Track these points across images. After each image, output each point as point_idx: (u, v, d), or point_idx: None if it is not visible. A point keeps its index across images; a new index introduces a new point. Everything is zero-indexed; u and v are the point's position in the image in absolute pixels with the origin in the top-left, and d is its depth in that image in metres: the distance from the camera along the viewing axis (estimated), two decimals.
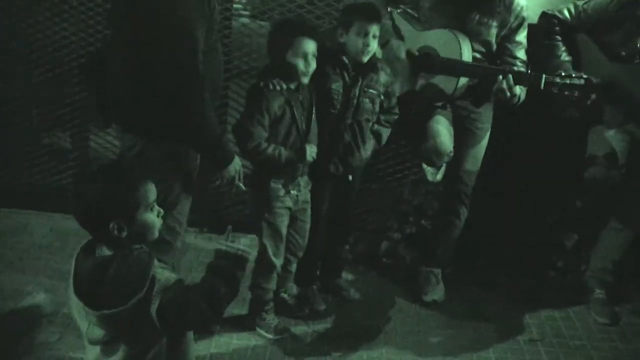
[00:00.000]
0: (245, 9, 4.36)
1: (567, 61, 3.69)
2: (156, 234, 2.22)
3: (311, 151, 3.36)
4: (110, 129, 3.20)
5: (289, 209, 3.46)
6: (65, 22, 4.36)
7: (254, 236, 3.58)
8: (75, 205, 2.16)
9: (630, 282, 4.10)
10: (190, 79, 2.73)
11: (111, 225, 2.10)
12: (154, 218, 2.19)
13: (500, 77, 3.41)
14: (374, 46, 3.41)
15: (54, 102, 4.49)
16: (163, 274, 2.11)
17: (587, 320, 3.87)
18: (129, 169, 2.33)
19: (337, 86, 3.42)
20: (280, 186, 3.38)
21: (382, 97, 3.54)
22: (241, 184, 3.07)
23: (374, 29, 3.38)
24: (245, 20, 4.37)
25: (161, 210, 2.23)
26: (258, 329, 3.54)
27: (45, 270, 3.95)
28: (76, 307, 2.14)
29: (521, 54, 3.69)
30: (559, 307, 3.97)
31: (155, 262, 2.14)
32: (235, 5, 4.30)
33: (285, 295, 3.73)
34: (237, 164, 3.01)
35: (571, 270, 4.15)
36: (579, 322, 3.86)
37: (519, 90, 3.45)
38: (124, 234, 2.12)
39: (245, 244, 2.25)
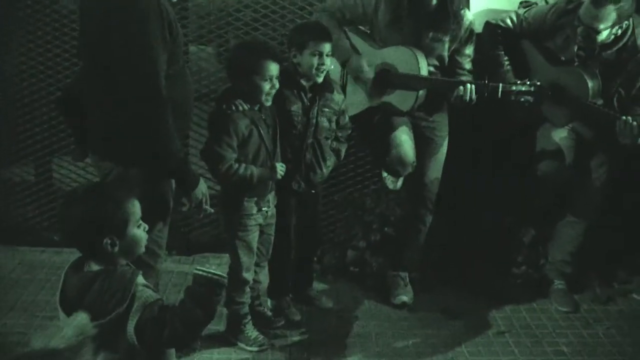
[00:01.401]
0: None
1: (509, 70, 3.90)
2: (143, 249, 2.34)
3: (281, 168, 3.48)
4: (87, 159, 3.25)
5: (260, 224, 3.57)
6: (26, 57, 4.42)
7: (224, 255, 3.77)
8: (66, 226, 2.27)
9: (588, 271, 4.30)
10: (153, 104, 2.79)
11: (105, 241, 2.21)
12: (141, 233, 2.31)
13: (462, 87, 3.60)
14: (328, 64, 3.55)
15: (17, 134, 4.50)
16: (144, 292, 2.21)
17: (550, 310, 4.06)
18: (115, 188, 2.44)
19: (296, 108, 3.56)
20: (252, 204, 3.48)
21: (337, 115, 3.69)
22: (208, 207, 3.11)
23: (327, 48, 3.52)
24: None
25: (146, 225, 2.34)
26: (239, 343, 3.62)
27: (18, 305, 3.95)
28: (63, 321, 2.21)
29: (469, 65, 3.89)
30: (523, 301, 4.14)
31: (139, 279, 2.24)
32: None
33: (261, 308, 3.81)
34: (202, 187, 3.06)
35: (531, 264, 4.33)
36: (542, 313, 4.03)
37: (475, 97, 3.66)
38: (116, 248, 2.23)
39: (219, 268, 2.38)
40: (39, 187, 4.66)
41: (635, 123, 3.52)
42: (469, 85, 3.62)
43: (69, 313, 2.16)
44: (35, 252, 4.56)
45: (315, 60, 3.50)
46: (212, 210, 3.16)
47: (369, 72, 3.83)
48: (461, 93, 3.63)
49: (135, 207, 2.30)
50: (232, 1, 4.46)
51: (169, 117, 2.84)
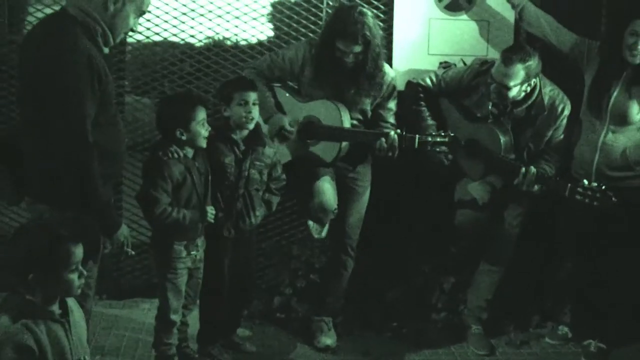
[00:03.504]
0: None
1: (432, 124, 4.15)
2: (75, 293, 2.42)
3: (211, 212, 3.64)
4: (22, 203, 3.37)
5: (188, 268, 3.70)
6: None
7: (154, 300, 3.88)
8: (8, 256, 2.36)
9: (503, 317, 4.50)
10: (78, 150, 2.94)
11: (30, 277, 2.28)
12: (74, 278, 2.37)
13: (383, 139, 3.83)
14: (255, 113, 3.76)
15: None
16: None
17: (468, 354, 4.25)
18: (63, 228, 2.45)
19: (229, 160, 3.76)
20: (182, 247, 3.63)
21: (268, 168, 3.87)
22: (130, 250, 3.21)
23: (253, 97, 3.74)
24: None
25: (84, 272, 2.41)
26: None
27: None
28: None
29: (392, 119, 4.13)
30: (442, 344, 4.33)
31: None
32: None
33: (188, 350, 3.89)
34: (125, 230, 3.18)
35: (450, 310, 4.53)
36: (459, 356, 4.22)
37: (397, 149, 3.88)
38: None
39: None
40: None
41: (533, 172, 3.81)
42: (391, 135, 3.85)
43: None
44: None
45: (242, 110, 3.70)
46: (133, 253, 3.24)
47: (292, 130, 4.02)
48: (384, 145, 3.85)
49: (77, 250, 2.37)
50: (168, 54, 4.67)
51: (94, 162, 2.97)
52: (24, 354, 2.24)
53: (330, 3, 4.53)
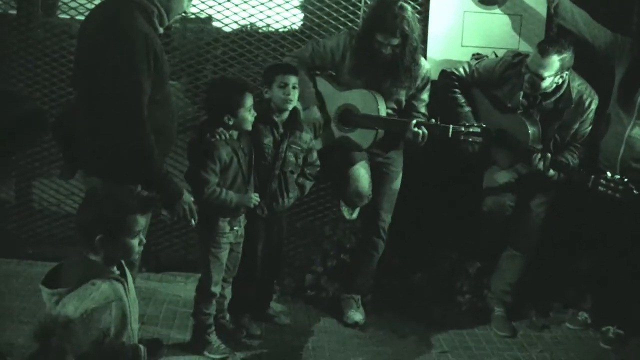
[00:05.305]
0: None
1: (468, 111, 4.31)
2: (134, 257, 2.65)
3: (255, 199, 3.84)
4: (74, 178, 3.59)
5: (230, 243, 3.89)
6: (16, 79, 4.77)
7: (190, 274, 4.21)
8: (82, 213, 2.58)
9: (525, 301, 4.67)
10: (134, 126, 3.15)
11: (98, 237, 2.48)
12: (135, 244, 2.57)
13: (416, 128, 3.99)
14: (294, 95, 3.94)
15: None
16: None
17: (490, 335, 4.42)
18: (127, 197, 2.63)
19: (268, 141, 3.94)
20: (226, 224, 3.82)
21: (304, 152, 4.05)
22: (194, 220, 3.41)
23: (293, 80, 3.92)
24: None
25: (144, 239, 2.63)
26: (205, 353, 3.89)
27: None
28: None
29: (424, 110, 4.29)
30: (466, 326, 4.50)
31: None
32: None
33: (224, 320, 4.10)
34: (187, 198, 3.38)
35: (475, 293, 4.70)
36: (483, 337, 4.39)
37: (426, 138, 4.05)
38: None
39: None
40: (20, 205, 4.97)
41: (547, 156, 3.98)
42: (422, 127, 4.00)
43: None
44: (9, 264, 4.84)
45: (282, 92, 3.88)
46: (195, 224, 3.45)
47: (322, 123, 4.21)
48: (416, 133, 4.01)
49: (141, 219, 2.55)
50: (204, 38, 4.87)
51: (150, 136, 3.18)
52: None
53: None
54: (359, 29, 4.29)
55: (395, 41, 4.01)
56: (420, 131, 3.99)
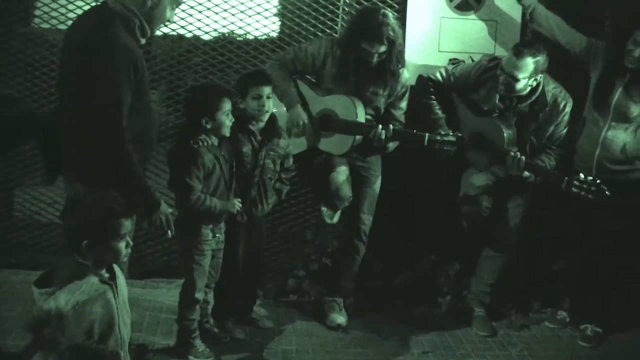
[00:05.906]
0: None
1: (442, 117, 4.38)
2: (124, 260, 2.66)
3: (238, 204, 3.89)
4: (55, 185, 3.62)
5: (212, 249, 3.93)
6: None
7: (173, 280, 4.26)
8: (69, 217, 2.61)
9: (505, 302, 4.75)
10: (114, 132, 3.18)
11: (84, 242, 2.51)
12: (122, 247, 2.59)
13: (374, 130, 4.08)
14: (269, 106, 3.98)
15: None
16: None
17: (471, 335, 4.49)
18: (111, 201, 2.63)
19: (247, 149, 3.99)
20: (209, 231, 3.86)
21: (281, 158, 4.11)
22: (170, 231, 3.40)
23: (267, 91, 3.96)
24: None
25: (131, 242, 2.64)
26: (190, 357, 3.92)
27: None
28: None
29: (402, 118, 4.36)
30: (447, 326, 4.57)
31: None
32: None
33: (209, 325, 4.13)
34: (164, 208, 3.39)
35: (455, 294, 4.78)
36: (463, 337, 4.47)
37: (392, 146, 4.20)
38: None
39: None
40: (2, 214, 4.97)
41: (522, 158, 4.07)
42: (379, 128, 4.08)
43: None
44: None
45: (256, 103, 3.93)
46: (172, 234, 3.43)
47: (307, 122, 4.25)
48: (373, 135, 4.10)
49: (126, 222, 2.58)
50: (181, 46, 4.90)
51: (128, 145, 3.21)
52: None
53: (347, 1, 4.75)
54: (342, 37, 4.30)
55: (383, 48, 4.07)
56: (383, 136, 4.07)
